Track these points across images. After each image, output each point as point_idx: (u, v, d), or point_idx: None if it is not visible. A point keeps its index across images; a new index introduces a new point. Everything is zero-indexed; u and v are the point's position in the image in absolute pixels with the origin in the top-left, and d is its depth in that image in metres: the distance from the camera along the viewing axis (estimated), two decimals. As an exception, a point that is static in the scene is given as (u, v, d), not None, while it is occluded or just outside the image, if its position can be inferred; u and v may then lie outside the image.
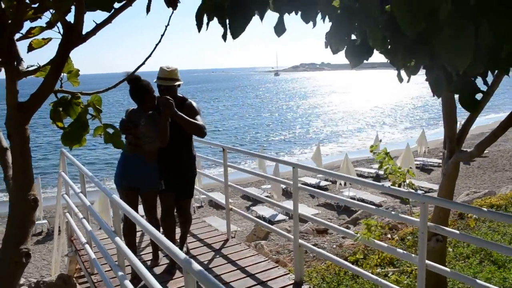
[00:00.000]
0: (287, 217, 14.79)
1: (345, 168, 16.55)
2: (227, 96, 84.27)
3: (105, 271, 3.60)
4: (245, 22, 2.12)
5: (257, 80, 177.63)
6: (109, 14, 1.92)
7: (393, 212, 3.47)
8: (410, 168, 17.78)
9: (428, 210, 2.83)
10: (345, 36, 2.21)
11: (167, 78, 4.05)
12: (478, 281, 2.72)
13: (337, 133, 39.45)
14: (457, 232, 2.85)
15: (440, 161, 22.66)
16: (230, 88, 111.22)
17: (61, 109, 1.84)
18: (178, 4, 1.91)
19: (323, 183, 19.53)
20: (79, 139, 1.83)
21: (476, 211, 2.92)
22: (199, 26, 2.07)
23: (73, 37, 1.92)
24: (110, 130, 1.97)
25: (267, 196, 18.46)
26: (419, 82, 3.02)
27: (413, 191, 3.13)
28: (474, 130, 23.25)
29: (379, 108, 56.08)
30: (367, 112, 53.37)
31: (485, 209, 2.64)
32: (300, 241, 4.12)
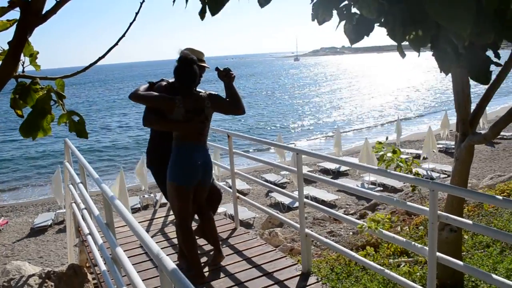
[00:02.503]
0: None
1: (365, 153, 16.17)
2: (245, 83, 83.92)
3: (105, 264, 3.50)
4: None
5: (276, 65, 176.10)
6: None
7: (401, 201, 3.23)
8: (433, 151, 17.34)
9: (437, 198, 2.59)
10: (333, 4, 1.97)
11: (203, 60, 4.05)
12: (494, 276, 2.48)
13: (360, 118, 38.81)
14: (470, 222, 2.60)
15: (465, 143, 22.07)
16: (248, 75, 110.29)
17: (17, 96, 1.68)
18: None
19: (343, 168, 19.18)
20: (38, 129, 1.67)
21: (489, 199, 2.67)
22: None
23: (31, 16, 1.75)
24: (75, 118, 1.80)
25: (286, 183, 18.36)
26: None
27: (420, 177, 2.88)
28: (489, 115, 22.44)
29: (403, 91, 54.90)
30: (391, 95, 52.32)
31: (499, 197, 2.39)
32: (306, 230, 3.93)
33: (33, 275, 5.72)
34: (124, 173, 12.79)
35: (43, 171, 24.75)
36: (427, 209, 2.66)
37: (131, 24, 2.05)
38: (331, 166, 19.05)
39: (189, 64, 3.60)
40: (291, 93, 63.19)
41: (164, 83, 3.89)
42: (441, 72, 2.34)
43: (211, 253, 4.34)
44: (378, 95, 53.03)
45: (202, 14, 1.93)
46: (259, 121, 39.85)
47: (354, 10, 2.28)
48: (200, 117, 3.68)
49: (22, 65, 1.86)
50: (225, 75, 3.75)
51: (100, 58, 2.03)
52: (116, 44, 2.03)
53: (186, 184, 3.71)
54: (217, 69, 3.83)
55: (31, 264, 8.73)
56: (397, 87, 58.35)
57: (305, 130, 35.18)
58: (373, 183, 16.48)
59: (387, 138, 3.57)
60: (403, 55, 2.09)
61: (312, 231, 4.44)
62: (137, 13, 2.05)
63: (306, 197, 13.70)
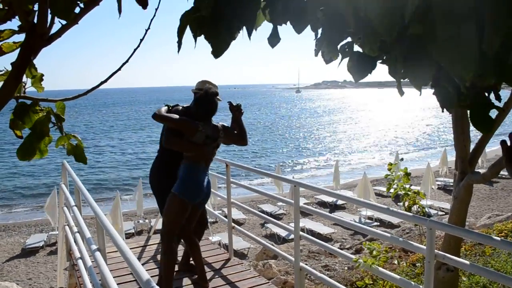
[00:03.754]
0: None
1: (362, 187, 16.12)
2: (249, 114, 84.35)
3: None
4: (230, 38, 1.91)
5: (278, 97, 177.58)
6: (76, 13, 1.77)
7: (397, 237, 3.19)
8: (432, 188, 17.29)
9: (434, 237, 2.56)
10: (337, 42, 1.99)
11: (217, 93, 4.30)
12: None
13: (358, 152, 38.86)
14: (467, 262, 2.56)
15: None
16: (250, 105, 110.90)
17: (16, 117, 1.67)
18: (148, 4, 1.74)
19: (340, 201, 19.07)
20: (35, 152, 1.65)
21: (486, 239, 2.63)
22: (179, 44, 1.86)
23: (36, 38, 1.77)
24: (73, 141, 1.79)
25: (282, 214, 18.21)
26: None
27: (419, 215, 2.85)
28: (489, 154, 22.48)
29: (401, 126, 55.23)
30: (390, 130, 52.57)
31: (497, 238, 2.35)
32: (301, 264, 3.86)
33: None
34: (120, 197, 12.70)
35: (40, 191, 24.56)
36: (424, 247, 2.62)
37: (135, 50, 2.06)
38: (329, 199, 18.94)
39: (213, 97, 3.97)
40: (292, 124, 63.51)
41: (181, 107, 4.21)
42: (442, 111, 2.35)
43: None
44: (377, 130, 53.25)
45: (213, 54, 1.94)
46: (259, 152, 39.90)
47: (356, 48, 2.31)
48: (213, 144, 4.01)
49: (24, 86, 1.87)
50: (237, 110, 4.21)
51: (102, 83, 2.04)
52: (119, 69, 2.04)
53: (189, 200, 3.91)
54: (229, 103, 4.25)
55: (19, 286, 8.57)
56: (396, 123, 58.71)
57: (305, 162, 35.15)
58: (370, 218, 16.35)
59: (402, 159, 3.54)
60: (401, 93, 2.10)
61: (306, 264, 4.38)
62: (141, 40, 2.07)
63: (302, 230, 13.55)
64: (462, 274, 4.35)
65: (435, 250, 2.57)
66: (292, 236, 13.79)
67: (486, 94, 2.19)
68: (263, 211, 17.61)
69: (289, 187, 16.85)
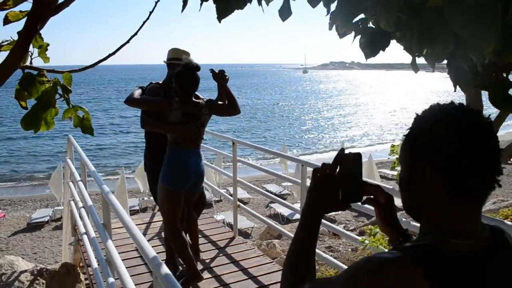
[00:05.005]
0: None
1: (367, 169, 16.09)
2: (253, 93, 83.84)
3: (98, 265, 3.44)
4: (238, 4, 1.85)
5: (284, 77, 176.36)
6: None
7: (405, 220, 3.16)
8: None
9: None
10: (352, 16, 1.92)
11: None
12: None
13: (364, 134, 38.74)
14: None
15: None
16: (255, 85, 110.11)
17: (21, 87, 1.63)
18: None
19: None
20: (40, 122, 1.62)
21: (496, 223, 2.59)
22: (184, 4, 1.81)
23: (43, 6, 1.72)
24: (81, 113, 1.76)
25: (287, 194, 18.26)
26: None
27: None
28: (505, 136, 22.35)
29: (408, 109, 54.83)
30: (397, 113, 52.26)
31: (509, 222, 2.32)
32: (306, 244, 3.85)
33: (25, 271, 5.65)
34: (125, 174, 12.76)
35: (46, 166, 24.74)
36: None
37: (144, 22, 2.00)
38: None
39: (193, 71, 3.61)
40: (299, 105, 63.23)
41: (155, 85, 3.96)
42: (455, 90, 2.29)
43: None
44: (384, 112, 52.91)
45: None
46: (265, 131, 39.85)
47: (370, 24, 2.24)
48: (196, 123, 3.69)
49: (31, 56, 1.82)
50: (221, 77, 3.84)
51: (110, 55, 1.99)
52: (128, 41, 1.99)
53: (178, 188, 3.70)
54: (211, 70, 3.87)
55: (24, 260, 8.67)
56: (404, 107, 58.26)
57: (310, 143, 35.10)
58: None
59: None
60: (416, 69, 2.04)
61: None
62: (151, 12, 2.01)
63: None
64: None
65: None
66: (296, 216, 13.83)
67: (504, 75, 2.13)
68: (267, 191, 17.67)
69: (294, 168, 16.85)
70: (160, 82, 4.05)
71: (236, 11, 1.84)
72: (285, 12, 2.11)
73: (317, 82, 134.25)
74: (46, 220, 14.78)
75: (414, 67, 2.02)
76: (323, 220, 3.41)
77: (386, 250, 3.01)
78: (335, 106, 62.30)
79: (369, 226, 3.52)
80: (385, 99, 70.24)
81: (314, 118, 49.86)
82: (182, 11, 1.79)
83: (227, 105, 3.85)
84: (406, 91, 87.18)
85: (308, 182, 3.77)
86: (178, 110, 3.55)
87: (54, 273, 5.47)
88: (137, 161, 23.42)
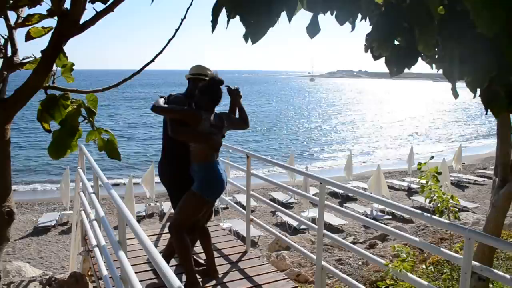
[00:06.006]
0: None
1: (375, 179, 15.94)
2: (261, 100, 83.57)
3: (110, 277, 3.35)
4: (269, 23, 1.79)
5: (292, 84, 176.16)
6: (110, 1, 1.65)
7: (432, 246, 3.06)
8: (446, 184, 17.08)
9: (472, 247, 2.43)
10: (389, 39, 1.85)
11: None
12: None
13: (372, 144, 38.53)
14: (508, 276, 2.43)
15: (476, 178, 21.74)
16: (262, 92, 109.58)
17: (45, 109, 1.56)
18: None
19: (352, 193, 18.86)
20: (66, 149, 1.54)
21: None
22: (214, 24, 1.74)
23: (68, 25, 1.65)
24: (105, 136, 1.68)
25: (293, 203, 18.16)
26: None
27: (456, 222, 2.72)
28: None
29: (416, 120, 54.53)
30: (405, 123, 51.95)
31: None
32: (323, 263, 3.76)
33: (34, 280, 5.59)
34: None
35: (54, 170, 24.75)
36: (461, 257, 2.49)
37: (169, 40, 1.96)
38: (340, 190, 18.81)
39: (219, 86, 3.84)
40: (306, 114, 63.06)
41: (175, 94, 4.07)
42: (486, 113, 2.21)
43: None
44: (394, 122, 52.59)
45: (246, 38, 1.82)
46: (273, 142, 39.64)
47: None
48: (222, 134, 3.90)
49: (53, 76, 1.76)
50: (237, 94, 4.13)
51: (133, 75, 1.93)
52: (153, 60, 1.93)
53: (211, 199, 3.89)
54: (227, 87, 4.06)
55: (31, 266, 8.61)
56: (413, 116, 57.92)
57: (317, 152, 34.93)
58: (381, 211, 16.20)
59: (432, 157, 3.39)
60: (456, 95, 1.96)
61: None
62: (177, 30, 1.96)
63: (312, 221, 13.44)
64: (490, 282, 4.21)
65: (473, 261, 2.44)
66: (303, 226, 13.71)
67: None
68: (274, 199, 17.58)
69: (302, 176, 16.69)
70: (178, 93, 4.12)
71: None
72: (313, 28, 2.04)
73: (324, 90, 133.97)
74: (53, 224, 14.77)
75: (454, 92, 1.94)
76: (343, 240, 3.29)
77: (409, 274, 2.91)
78: (342, 115, 62.13)
79: (395, 245, 3.41)
80: (392, 108, 69.95)
81: (321, 127, 49.68)
82: (212, 31, 1.72)
83: (240, 120, 4.12)
84: (413, 100, 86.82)
85: (312, 191, 3.69)
86: (207, 121, 3.71)
87: (63, 282, 5.41)
88: (143, 168, 23.43)
